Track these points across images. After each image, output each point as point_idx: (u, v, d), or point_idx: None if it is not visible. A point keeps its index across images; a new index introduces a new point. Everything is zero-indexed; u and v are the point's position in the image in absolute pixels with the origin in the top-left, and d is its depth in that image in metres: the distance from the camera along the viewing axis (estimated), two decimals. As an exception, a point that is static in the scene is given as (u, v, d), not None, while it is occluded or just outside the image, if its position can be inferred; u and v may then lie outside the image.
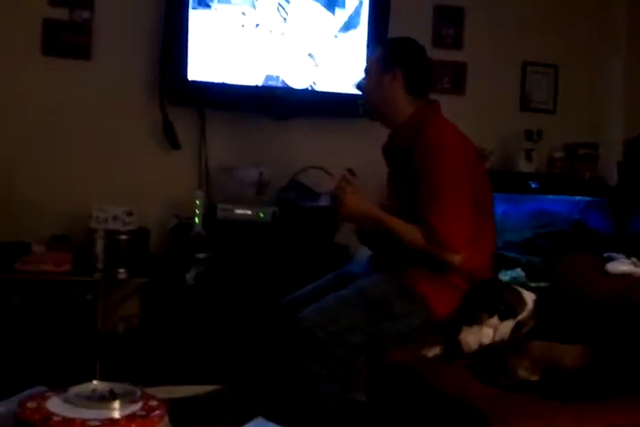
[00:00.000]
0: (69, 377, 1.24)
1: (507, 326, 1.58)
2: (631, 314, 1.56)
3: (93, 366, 2.29)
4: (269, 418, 1.17)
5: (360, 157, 3.14)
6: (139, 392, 1.08)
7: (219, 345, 2.40)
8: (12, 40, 2.75)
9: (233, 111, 2.97)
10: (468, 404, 1.35)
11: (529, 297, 1.65)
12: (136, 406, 1.03)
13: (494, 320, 1.55)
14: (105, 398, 1.05)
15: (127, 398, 1.05)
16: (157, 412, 1.05)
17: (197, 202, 2.67)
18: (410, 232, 1.76)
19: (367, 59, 1.97)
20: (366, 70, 1.97)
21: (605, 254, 1.87)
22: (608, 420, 1.34)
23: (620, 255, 1.79)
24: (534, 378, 1.42)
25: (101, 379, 1.14)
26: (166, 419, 1.06)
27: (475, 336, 1.53)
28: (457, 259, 1.74)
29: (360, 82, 2.00)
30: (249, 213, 2.74)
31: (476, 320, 1.55)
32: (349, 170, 2.06)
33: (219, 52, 2.81)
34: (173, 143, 2.89)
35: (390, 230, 1.79)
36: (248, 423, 1.14)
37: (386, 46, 1.98)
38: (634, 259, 1.76)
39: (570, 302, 1.76)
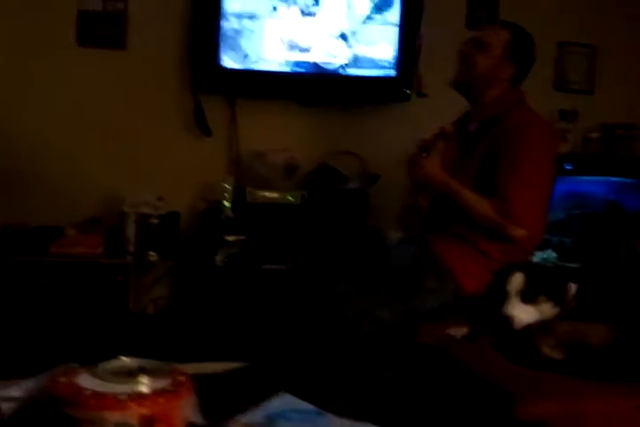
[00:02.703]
0: (101, 356, 1.26)
1: (553, 313, 1.57)
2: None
3: (124, 346, 2.34)
4: (294, 393, 1.18)
5: (389, 142, 3.12)
6: (167, 368, 1.09)
7: (247, 325, 2.43)
8: (48, 32, 2.80)
9: (264, 97, 2.97)
10: (494, 382, 1.35)
11: (573, 287, 1.63)
12: (164, 382, 1.04)
13: (548, 305, 1.56)
14: (134, 374, 1.06)
15: (155, 374, 1.06)
16: (185, 387, 1.05)
17: (227, 186, 2.70)
18: (481, 202, 1.79)
19: (487, 33, 1.95)
20: (484, 46, 1.93)
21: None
22: (635, 399, 1.31)
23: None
24: (559, 356, 1.41)
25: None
26: (194, 394, 1.07)
27: (526, 315, 1.53)
28: (521, 233, 1.77)
29: (469, 51, 1.95)
30: (277, 195, 2.75)
31: (535, 300, 1.55)
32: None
33: (250, 38, 2.81)
34: (204, 130, 2.91)
35: (461, 197, 1.82)
36: (272, 398, 1.15)
37: (513, 36, 1.96)
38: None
39: (605, 283, 1.74)
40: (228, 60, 2.80)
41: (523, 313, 1.54)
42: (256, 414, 1.11)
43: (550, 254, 2.69)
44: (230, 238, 2.60)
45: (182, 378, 1.07)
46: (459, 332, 1.65)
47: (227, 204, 2.69)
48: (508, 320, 1.52)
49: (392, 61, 2.96)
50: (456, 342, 1.61)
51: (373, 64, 2.95)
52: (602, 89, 3.41)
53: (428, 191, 2.01)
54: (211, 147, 2.96)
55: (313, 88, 2.92)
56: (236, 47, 2.80)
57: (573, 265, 2.27)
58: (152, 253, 2.56)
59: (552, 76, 3.38)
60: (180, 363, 1.29)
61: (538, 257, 2.63)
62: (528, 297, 1.54)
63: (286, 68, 2.87)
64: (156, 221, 2.59)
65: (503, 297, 1.56)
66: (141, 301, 2.61)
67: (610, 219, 2.95)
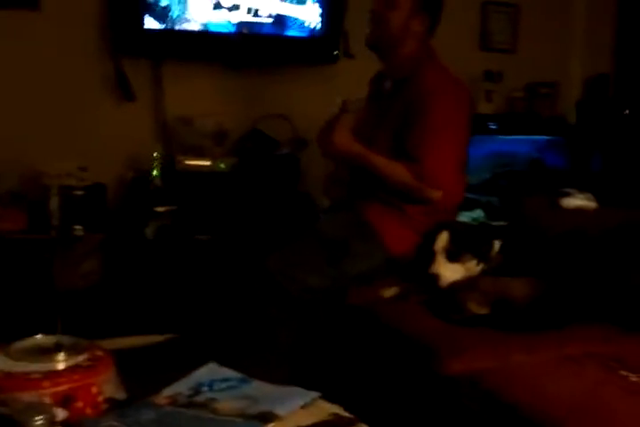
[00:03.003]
0: (24, 335, 1.21)
1: (478, 270, 1.61)
2: (584, 247, 1.59)
3: (51, 324, 2.26)
4: (222, 364, 1.17)
5: (318, 104, 3.08)
6: (84, 344, 1.06)
7: (180, 298, 2.40)
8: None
9: (189, 59, 2.87)
10: (419, 340, 1.38)
11: (497, 244, 1.67)
12: (81, 358, 1.02)
13: (473, 263, 1.59)
14: (49, 351, 1.03)
15: (72, 350, 1.04)
16: (103, 362, 1.03)
17: (155, 154, 2.61)
18: (395, 168, 1.79)
19: None
20: (392, 3, 1.91)
21: (560, 191, 1.88)
22: (558, 349, 1.36)
23: (574, 191, 1.81)
24: (484, 311, 1.46)
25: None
26: (113, 369, 1.05)
27: (452, 273, 1.57)
28: (437, 195, 1.78)
29: (379, 10, 1.93)
30: (208, 163, 2.69)
31: (460, 258, 1.58)
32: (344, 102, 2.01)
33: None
34: (127, 95, 2.80)
35: (375, 167, 1.82)
36: (199, 369, 1.14)
37: None
38: (587, 194, 1.78)
39: (527, 239, 1.79)
40: (151, 21, 2.69)
41: (448, 271, 1.57)
42: (182, 386, 1.10)
43: (479, 214, 2.75)
44: (160, 209, 2.53)
45: (100, 353, 1.05)
46: (389, 292, 1.68)
47: (155, 173, 2.61)
48: (435, 279, 1.55)
49: (319, 21, 2.91)
50: (385, 302, 1.64)
51: (300, 25, 2.89)
52: (525, 48, 3.45)
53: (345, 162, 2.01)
54: (135, 113, 2.85)
55: (239, 49, 2.84)
56: (158, 7, 2.68)
57: (501, 223, 2.33)
58: (78, 226, 2.47)
59: (477, 37, 3.40)
60: (111, 338, 1.25)
61: (467, 217, 2.69)
62: (453, 255, 1.58)
63: (212, 29, 2.78)
64: (80, 193, 2.49)
65: (430, 257, 1.59)
66: (70, 277, 2.54)
67: (533, 176, 3.03)
